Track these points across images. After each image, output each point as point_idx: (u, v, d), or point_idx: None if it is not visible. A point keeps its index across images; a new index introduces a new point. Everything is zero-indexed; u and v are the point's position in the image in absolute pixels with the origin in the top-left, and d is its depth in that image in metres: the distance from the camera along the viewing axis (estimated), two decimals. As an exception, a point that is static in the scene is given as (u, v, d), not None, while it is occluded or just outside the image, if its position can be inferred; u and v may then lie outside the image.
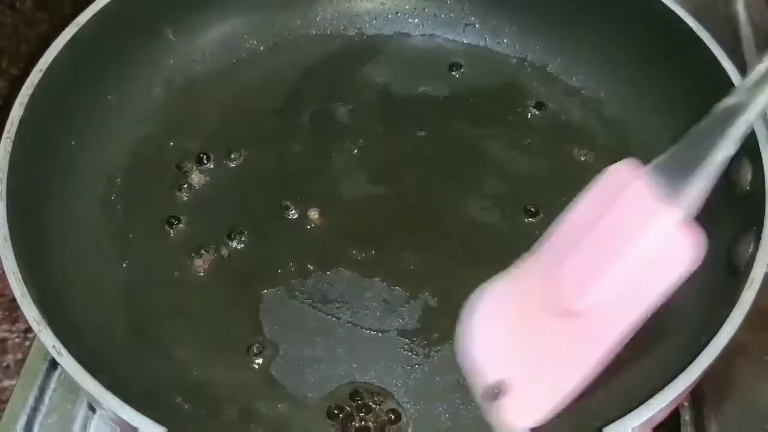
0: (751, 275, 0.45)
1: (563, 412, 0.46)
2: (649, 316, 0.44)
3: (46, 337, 0.44)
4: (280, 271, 0.55)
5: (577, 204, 0.47)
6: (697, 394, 0.53)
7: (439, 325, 0.52)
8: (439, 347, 0.52)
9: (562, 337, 0.46)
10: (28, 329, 0.57)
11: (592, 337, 0.45)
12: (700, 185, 0.44)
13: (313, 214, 0.57)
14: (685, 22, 0.55)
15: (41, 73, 0.53)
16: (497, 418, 0.45)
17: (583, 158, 0.60)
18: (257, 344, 0.52)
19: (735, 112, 0.44)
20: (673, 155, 0.45)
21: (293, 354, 0.52)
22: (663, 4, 0.56)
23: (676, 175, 0.44)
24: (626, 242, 0.44)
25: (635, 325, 0.44)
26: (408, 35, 0.67)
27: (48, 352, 0.44)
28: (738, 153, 0.51)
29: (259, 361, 0.51)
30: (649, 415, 0.42)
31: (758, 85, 0.43)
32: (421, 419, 0.49)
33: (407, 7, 0.67)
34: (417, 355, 0.51)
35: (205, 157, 0.60)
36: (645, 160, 0.59)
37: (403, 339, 0.52)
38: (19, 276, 0.45)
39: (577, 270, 0.45)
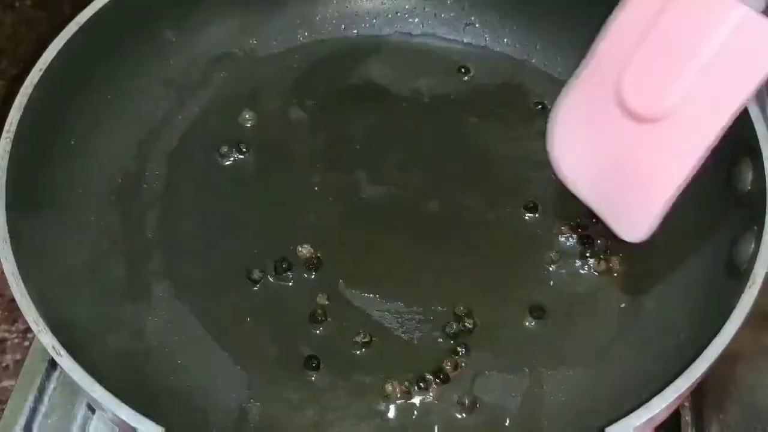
0: (752, 275, 0.45)
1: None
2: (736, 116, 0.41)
3: (45, 337, 0.44)
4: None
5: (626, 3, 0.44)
6: (697, 394, 0.53)
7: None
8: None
9: (650, 146, 0.43)
10: (28, 329, 0.57)
11: (681, 141, 0.42)
12: None
13: (311, 216, 0.57)
14: (685, 22, 0.55)
15: (41, 73, 0.53)
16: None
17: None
18: (262, 348, 0.52)
19: None
20: None
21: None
22: (663, 3, 0.56)
23: None
24: (698, 38, 0.41)
25: (724, 127, 0.41)
26: (408, 35, 0.67)
27: (47, 353, 0.44)
28: (738, 153, 0.51)
29: (259, 360, 0.51)
30: (650, 415, 0.42)
31: None
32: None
33: (407, 7, 0.67)
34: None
35: (205, 158, 0.60)
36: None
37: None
38: (19, 276, 0.45)
39: (648, 72, 0.42)
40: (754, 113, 0.50)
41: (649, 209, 0.43)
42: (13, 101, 0.51)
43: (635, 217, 0.44)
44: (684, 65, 0.41)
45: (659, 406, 0.42)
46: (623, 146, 0.44)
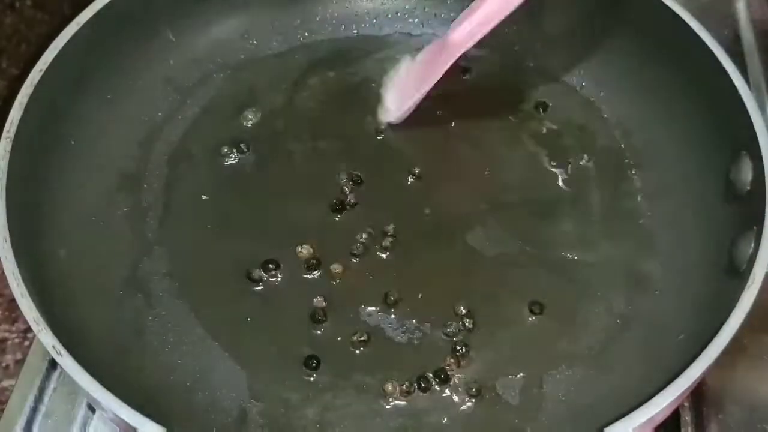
0: (752, 275, 0.45)
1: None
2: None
3: (45, 337, 0.44)
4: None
5: None
6: (697, 394, 0.53)
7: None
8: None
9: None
10: (28, 329, 0.57)
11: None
12: None
13: (310, 216, 0.57)
14: (685, 22, 0.55)
15: (41, 73, 0.53)
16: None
17: (582, 157, 0.60)
18: (262, 348, 0.52)
19: None
20: None
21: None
22: (663, 3, 0.56)
23: None
24: None
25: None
26: (408, 35, 0.67)
27: (48, 352, 0.44)
28: (738, 152, 0.51)
29: (259, 360, 0.52)
30: (650, 415, 0.42)
31: None
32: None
33: (407, 6, 0.67)
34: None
35: (205, 158, 0.60)
36: (645, 158, 0.59)
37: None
38: (19, 276, 0.45)
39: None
40: (754, 114, 0.50)
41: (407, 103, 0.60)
42: (13, 101, 0.51)
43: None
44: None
45: (659, 406, 0.42)
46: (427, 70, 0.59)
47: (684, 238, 0.55)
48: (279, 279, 0.55)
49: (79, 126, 0.56)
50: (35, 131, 0.52)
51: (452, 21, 0.66)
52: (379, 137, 0.61)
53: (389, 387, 0.50)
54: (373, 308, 0.53)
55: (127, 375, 0.49)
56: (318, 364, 0.51)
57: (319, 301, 0.53)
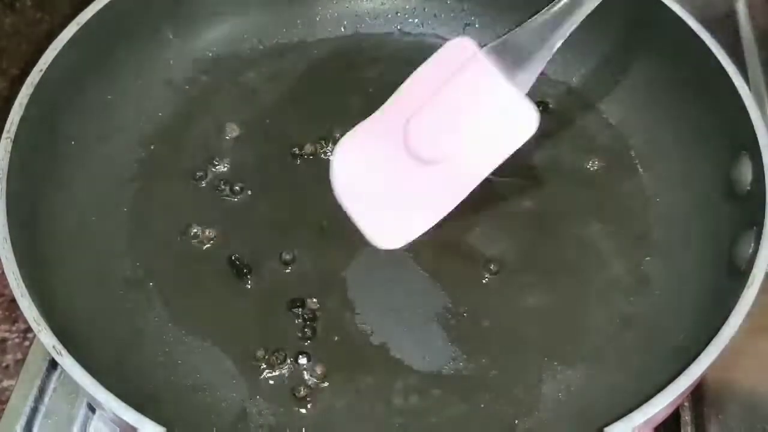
0: (752, 275, 0.45)
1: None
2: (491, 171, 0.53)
3: (45, 337, 0.44)
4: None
5: (419, 70, 0.54)
6: (697, 394, 0.53)
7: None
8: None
9: (418, 180, 0.54)
10: (28, 329, 0.57)
11: (449, 183, 0.53)
12: (535, 67, 0.52)
13: (308, 216, 0.57)
14: (685, 22, 0.55)
15: (41, 73, 0.53)
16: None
17: (582, 157, 0.60)
18: (262, 349, 0.52)
19: (570, 8, 0.51)
20: (509, 41, 0.52)
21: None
22: (663, 4, 0.56)
23: (513, 57, 0.52)
24: (472, 108, 0.52)
25: (479, 179, 0.53)
26: (408, 35, 0.67)
27: (48, 352, 0.44)
28: (738, 152, 0.51)
29: (261, 363, 0.52)
30: (650, 415, 0.42)
31: None
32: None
33: (407, 7, 0.67)
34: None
35: (205, 158, 0.60)
36: (645, 159, 0.59)
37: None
38: (19, 276, 0.45)
39: (426, 126, 0.53)
40: (754, 113, 0.50)
41: (412, 229, 0.55)
42: (13, 101, 0.51)
43: (396, 231, 0.55)
44: (461, 124, 0.52)
45: (659, 405, 0.42)
46: (399, 177, 0.55)
47: (684, 238, 0.55)
48: (278, 279, 0.55)
49: (79, 126, 0.56)
50: (35, 131, 0.52)
51: (452, 21, 0.67)
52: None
53: (389, 387, 0.50)
54: (375, 308, 0.53)
55: (127, 375, 0.49)
56: (317, 363, 0.51)
57: (313, 303, 0.53)
